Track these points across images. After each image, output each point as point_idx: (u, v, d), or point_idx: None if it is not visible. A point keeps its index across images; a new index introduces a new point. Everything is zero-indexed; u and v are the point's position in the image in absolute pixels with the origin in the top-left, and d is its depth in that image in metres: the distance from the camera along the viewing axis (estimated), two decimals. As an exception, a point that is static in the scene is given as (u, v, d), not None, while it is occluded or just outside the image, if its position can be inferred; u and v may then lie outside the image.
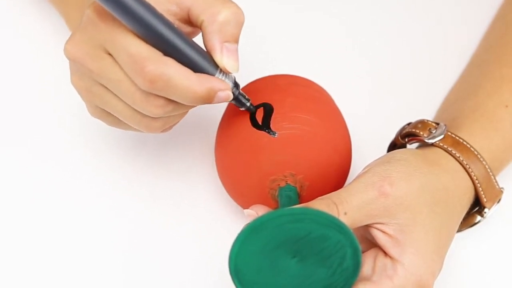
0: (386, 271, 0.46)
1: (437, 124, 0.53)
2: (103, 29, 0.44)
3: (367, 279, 0.46)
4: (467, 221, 0.54)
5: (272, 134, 0.50)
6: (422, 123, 0.54)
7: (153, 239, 0.56)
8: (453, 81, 0.62)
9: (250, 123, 0.50)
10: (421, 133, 0.53)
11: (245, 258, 0.43)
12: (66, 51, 0.45)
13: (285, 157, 0.50)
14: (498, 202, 0.53)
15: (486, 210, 0.53)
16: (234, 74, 0.47)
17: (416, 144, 0.55)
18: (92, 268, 0.55)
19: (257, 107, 0.51)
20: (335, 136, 0.52)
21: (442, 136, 0.52)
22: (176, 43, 0.44)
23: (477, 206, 0.54)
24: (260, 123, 0.50)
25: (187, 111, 0.48)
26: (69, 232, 0.57)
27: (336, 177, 0.52)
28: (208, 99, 0.45)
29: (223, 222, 0.57)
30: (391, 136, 0.57)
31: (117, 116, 0.47)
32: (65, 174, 0.59)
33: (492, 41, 0.62)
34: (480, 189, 0.51)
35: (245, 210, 0.49)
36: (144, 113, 0.45)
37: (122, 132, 0.60)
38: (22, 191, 0.59)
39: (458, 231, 0.53)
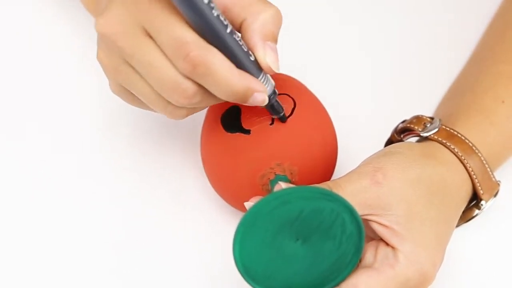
0: (388, 259, 0.46)
1: (432, 118, 0.54)
2: (146, 8, 0.42)
3: (369, 266, 0.46)
4: (465, 215, 0.54)
5: (246, 132, 0.50)
6: (417, 118, 0.54)
7: (150, 244, 0.56)
8: (451, 80, 0.62)
9: (223, 130, 0.51)
10: (416, 127, 0.53)
11: (249, 256, 0.43)
12: (99, 25, 0.43)
13: (265, 149, 0.50)
14: (495, 195, 0.53)
15: (483, 202, 0.53)
16: (273, 82, 0.47)
17: (412, 140, 0.55)
18: (86, 266, 0.55)
19: (225, 113, 0.51)
20: (309, 116, 0.52)
21: (436, 130, 0.52)
22: (225, 36, 0.43)
23: (474, 201, 0.53)
24: (231, 126, 0.51)
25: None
26: (63, 232, 0.57)
27: (324, 157, 0.52)
28: (244, 98, 0.44)
29: (219, 225, 0.57)
30: (388, 134, 0.57)
31: (141, 98, 0.46)
32: (57, 173, 0.60)
33: (490, 39, 0.62)
34: (476, 181, 0.51)
35: (245, 203, 0.49)
36: (170, 100, 0.45)
37: (114, 134, 0.61)
38: (15, 187, 0.59)
39: (457, 226, 0.53)
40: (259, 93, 0.45)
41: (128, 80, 0.45)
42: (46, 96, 0.63)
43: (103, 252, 0.56)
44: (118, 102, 0.55)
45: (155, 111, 0.48)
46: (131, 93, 0.47)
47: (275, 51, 0.45)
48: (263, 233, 0.42)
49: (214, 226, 0.57)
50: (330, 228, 0.43)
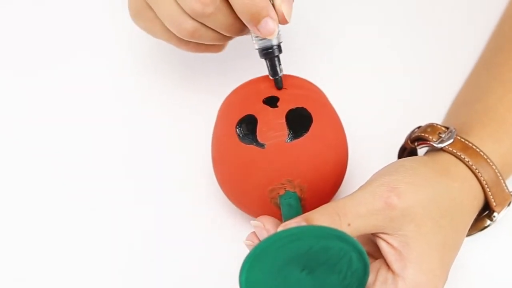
0: (387, 285, 0.46)
1: (447, 128, 0.53)
2: None
3: None
4: (477, 225, 0.54)
5: (260, 146, 0.49)
6: (432, 127, 0.54)
7: (158, 246, 0.57)
8: (459, 83, 0.61)
9: (237, 139, 0.50)
10: (430, 137, 0.53)
11: (255, 283, 0.43)
12: None
13: (278, 165, 0.49)
14: (508, 205, 0.53)
15: (495, 214, 0.53)
16: (282, 39, 0.50)
17: (425, 148, 0.55)
18: (90, 266, 0.56)
19: (240, 121, 0.50)
20: (325, 134, 0.51)
21: (451, 141, 0.52)
22: None
23: (486, 210, 0.53)
24: (246, 136, 0.50)
25: (222, 45, 0.52)
26: (69, 231, 0.57)
27: (334, 174, 0.51)
28: (257, 18, 0.47)
29: (228, 227, 0.57)
30: (397, 140, 0.57)
31: (156, 11, 0.49)
32: (68, 176, 0.60)
33: (500, 43, 0.61)
34: (490, 193, 0.51)
35: (252, 222, 0.49)
36: (183, 6, 0.47)
37: (125, 138, 0.62)
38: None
39: (468, 235, 0.53)
40: (272, 20, 0.47)
41: None
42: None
43: (105, 254, 0.56)
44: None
45: (164, 38, 0.52)
46: (149, 9, 0.50)
47: (290, 3, 0.48)
48: (271, 264, 0.43)
49: (219, 224, 0.57)
50: (337, 264, 0.43)
